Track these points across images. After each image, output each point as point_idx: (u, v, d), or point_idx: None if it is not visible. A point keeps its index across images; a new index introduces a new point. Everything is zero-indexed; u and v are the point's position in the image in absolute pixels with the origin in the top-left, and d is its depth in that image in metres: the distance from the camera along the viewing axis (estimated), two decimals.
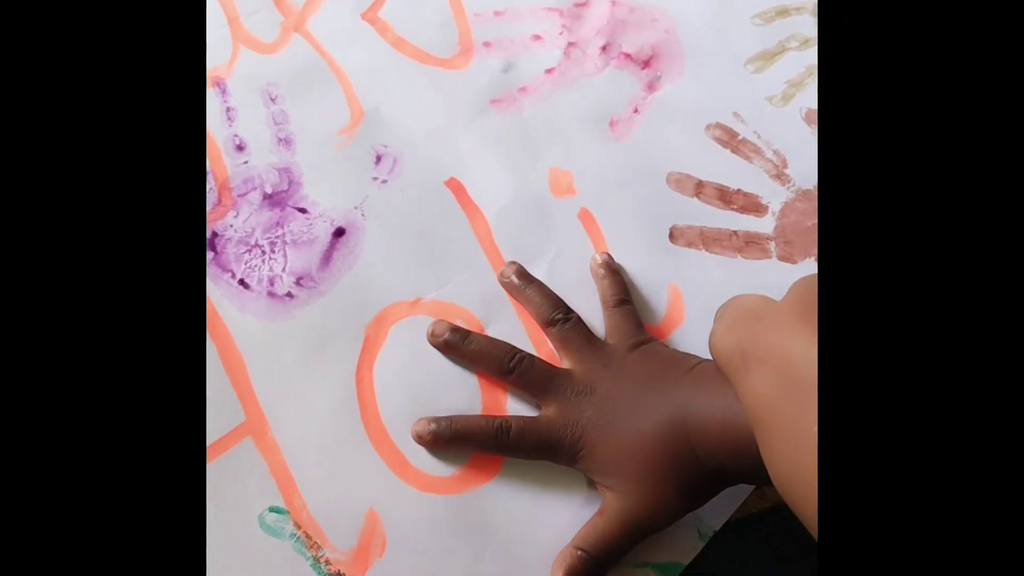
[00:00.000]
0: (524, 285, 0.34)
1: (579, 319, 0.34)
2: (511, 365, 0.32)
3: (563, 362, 0.33)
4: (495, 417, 0.31)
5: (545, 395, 0.31)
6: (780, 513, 0.31)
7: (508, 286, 0.34)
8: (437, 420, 0.31)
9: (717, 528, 0.31)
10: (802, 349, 0.23)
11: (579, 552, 0.29)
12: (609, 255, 0.35)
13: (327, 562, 0.29)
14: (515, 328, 0.34)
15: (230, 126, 0.37)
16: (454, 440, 0.31)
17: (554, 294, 0.34)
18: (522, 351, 0.32)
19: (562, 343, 0.33)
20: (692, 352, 0.33)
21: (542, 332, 0.34)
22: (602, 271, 0.34)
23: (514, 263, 0.35)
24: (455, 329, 0.32)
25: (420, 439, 0.31)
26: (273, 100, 0.38)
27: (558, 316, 0.33)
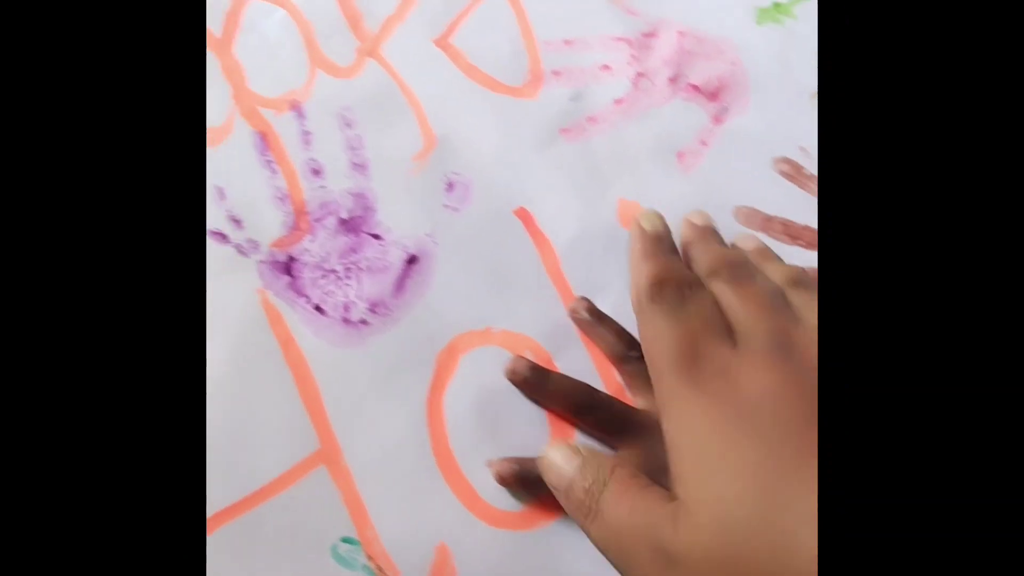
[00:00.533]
0: (595, 322, 0.34)
1: None
2: (589, 405, 0.32)
3: (635, 400, 0.33)
4: None
5: (621, 436, 0.32)
6: None
7: (579, 322, 0.35)
8: (520, 461, 0.31)
9: None
10: None
11: None
12: None
13: None
14: (583, 361, 0.35)
15: (307, 149, 0.37)
16: (536, 485, 0.30)
17: (626, 331, 0.34)
18: (600, 392, 0.33)
19: (634, 380, 0.33)
20: None
21: (611, 368, 0.34)
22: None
23: (584, 299, 0.35)
24: (535, 368, 0.33)
25: (502, 480, 0.31)
26: (349, 125, 0.38)
27: (632, 355, 0.33)
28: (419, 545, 0.30)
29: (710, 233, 0.32)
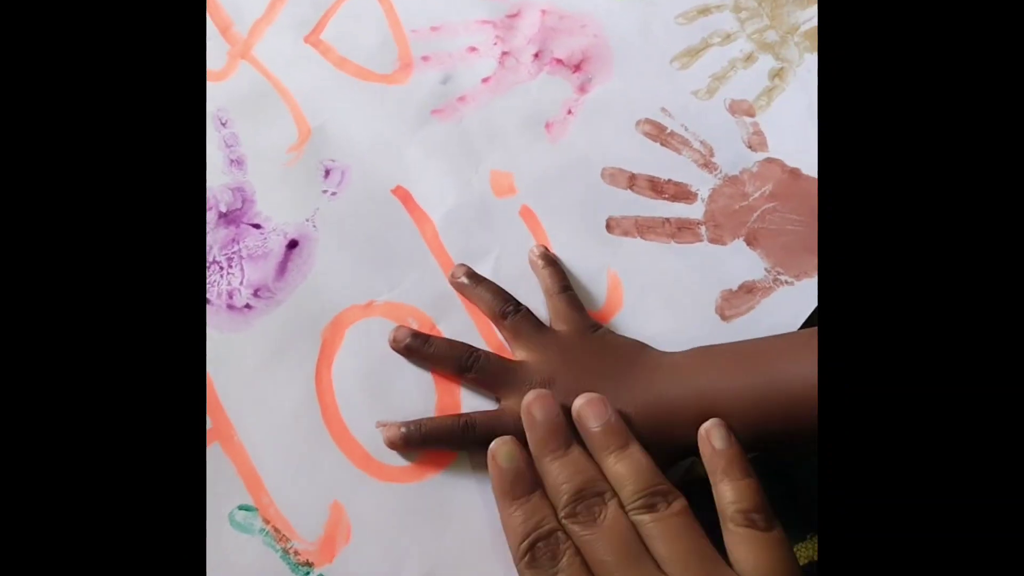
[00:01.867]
0: (473, 284, 0.36)
1: (528, 310, 0.36)
2: (468, 363, 0.34)
3: (516, 353, 0.35)
4: (459, 415, 0.33)
5: (504, 388, 0.33)
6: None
7: (459, 286, 0.37)
8: (406, 424, 0.33)
9: None
10: None
11: None
12: (545, 247, 0.37)
13: (296, 552, 0.31)
14: (466, 324, 0.36)
15: None
16: (424, 442, 0.33)
17: (502, 289, 0.36)
18: (478, 349, 0.34)
19: (514, 335, 0.35)
20: (632, 335, 0.36)
21: (491, 327, 0.36)
22: (541, 262, 0.37)
23: (463, 265, 0.37)
24: (415, 335, 0.34)
25: (392, 444, 0.33)
26: (224, 124, 0.40)
27: (508, 309, 0.35)
28: (314, 505, 0.32)
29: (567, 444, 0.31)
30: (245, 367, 0.34)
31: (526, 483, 0.30)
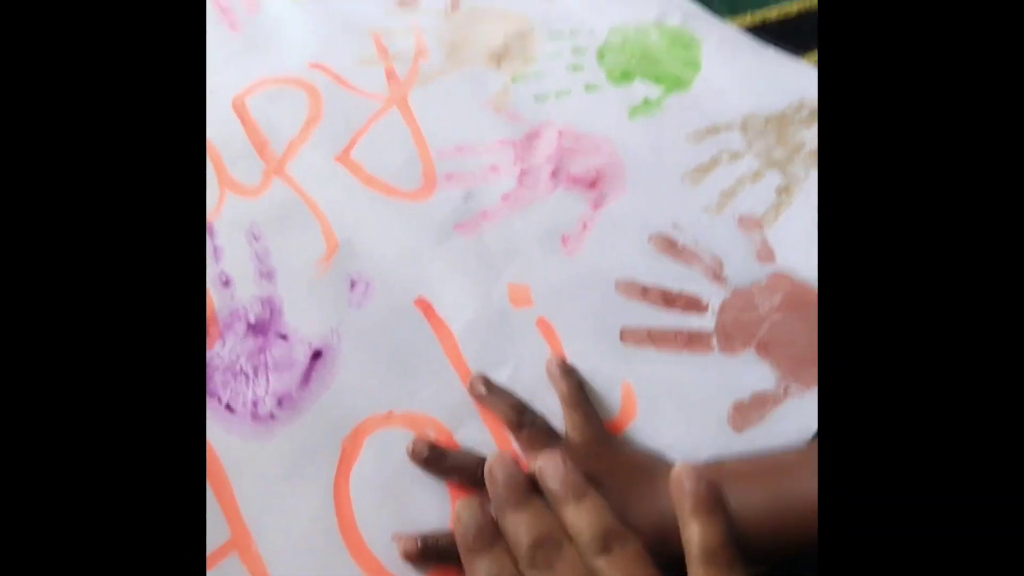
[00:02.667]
0: (491, 394, 0.37)
1: (544, 421, 0.37)
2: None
3: (531, 465, 0.35)
4: None
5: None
6: None
7: (477, 396, 0.37)
8: (423, 538, 0.33)
9: None
10: None
11: None
12: (562, 358, 0.38)
13: None
14: (482, 434, 0.37)
15: (217, 264, 0.41)
16: (440, 556, 0.33)
17: (519, 400, 0.37)
18: None
19: (529, 445, 0.36)
20: (646, 445, 0.36)
21: (508, 437, 0.37)
22: (558, 372, 0.38)
23: (481, 375, 0.38)
24: (433, 447, 0.35)
25: (408, 557, 0.33)
26: (256, 238, 0.42)
27: (524, 420, 0.36)
28: None
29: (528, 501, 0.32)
30: (266, 477, 0.35)
31: (487, 536, 0.31)
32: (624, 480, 0.34)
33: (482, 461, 0.35)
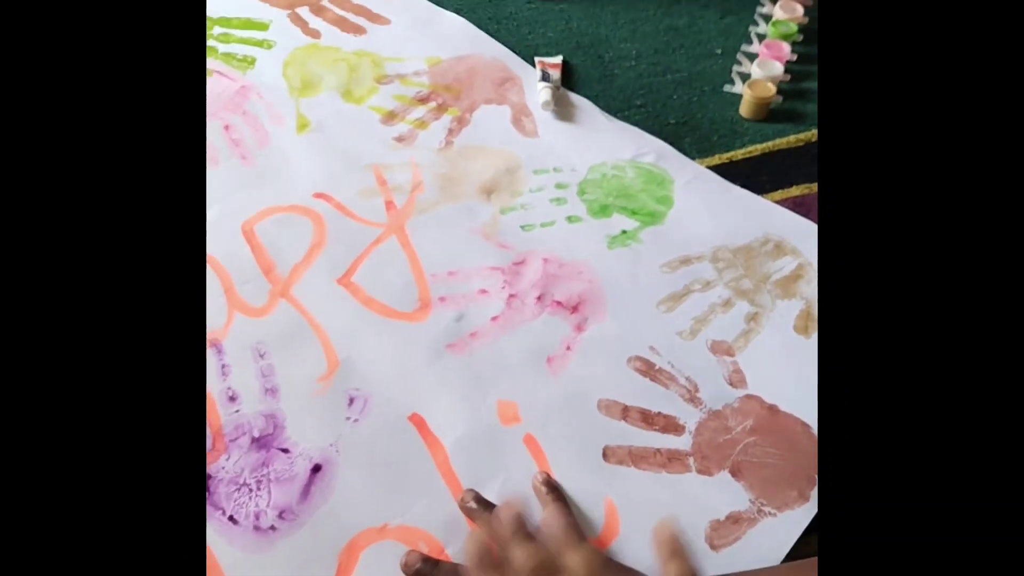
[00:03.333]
0: (482, 509, 0.39)
1: (529, 536, 0.38)
2: None
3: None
4: None
5: None
6: None
7: (467, 511, 0.40)
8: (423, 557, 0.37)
9: None
10: None
11: None
12: (548, 474, 0.41)
13: None
14: None
15: (224, 380, 0.43)
16: None
17: (503, 521, 0.39)
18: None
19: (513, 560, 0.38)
20: (629, 561, 0.38)
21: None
22: (543, 488, 0.40)
23: (471, 490, 0.40)
24: (425, 559, 0.37)
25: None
26: (262, 356, 0.45)
27: (507, 536, 0.38)
28: None
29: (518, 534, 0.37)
30: None
31: (493, 558, 0.35)
32: None
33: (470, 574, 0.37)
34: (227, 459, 0.40)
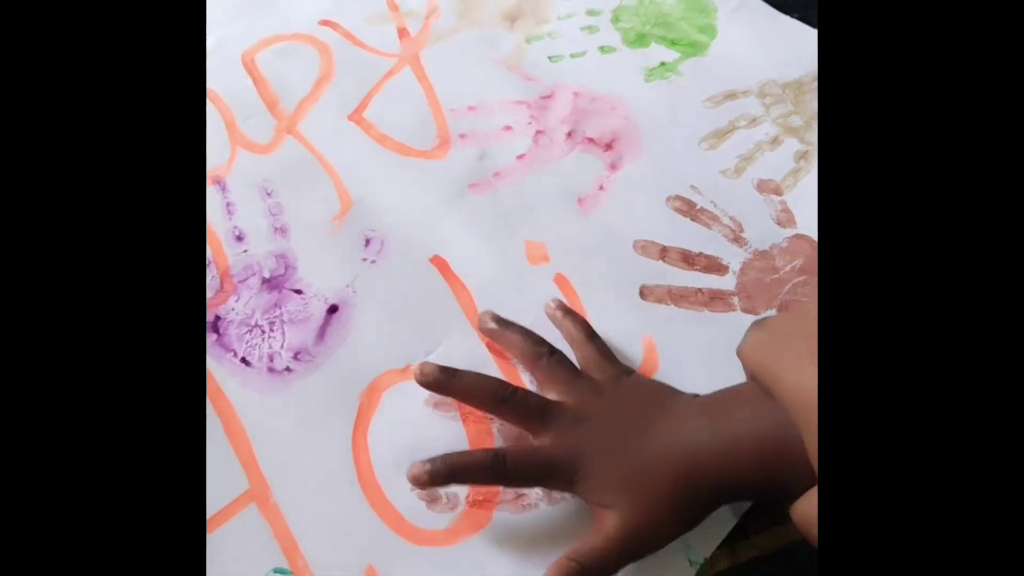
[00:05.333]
0: (503, 328, 0.36)
1: (562, 353, 0.36)
2: (507, 396, 0.33)
3: (550, 396, 0.34)
4: (489, 449, 0.33)
5: (540, 426, 0.33)
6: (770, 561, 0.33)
7: (488, 332, 0.37)
8: (431, 460, 0.31)
9: (707, 555, 0.33)
10: None
11: (572, 563, 0.30)
12: (560, 300, 0.38)
13: None
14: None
15: (230, 219, 0.40)
16: (451, 476, 0.31)
17: (533, 332, 0.36)
18: (511, 384, 0.34)
19: (549, 377, 0.35)
20: None
21: (523, 385, 0.36)
22: (559, 313, 0.37)
23: (489, 311, 0.37)
24: (443, 368, 0.33)
25: (417, 481, 0.31)
26: (269, 194, 0.41)
27: (542, 351, 0.35)
28: (348, 569, 0.31)
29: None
30: (283, 429, 0.34)
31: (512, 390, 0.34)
32: (646, 413, 0.33)
33: (502, 382, 0.34)
34: (236, 300, 0.38)
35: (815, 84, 0.49)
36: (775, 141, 0.46)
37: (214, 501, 0.32)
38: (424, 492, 0.33)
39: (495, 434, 0.35)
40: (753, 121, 0.47)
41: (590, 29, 0.50)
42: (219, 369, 0.36)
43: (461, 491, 0.33)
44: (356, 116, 0.45)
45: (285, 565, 0.31)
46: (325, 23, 0.48)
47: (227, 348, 0.36)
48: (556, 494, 0.33)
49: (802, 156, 0.45)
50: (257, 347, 0.36)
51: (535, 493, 0.34)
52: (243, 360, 0.36)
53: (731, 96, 0.48)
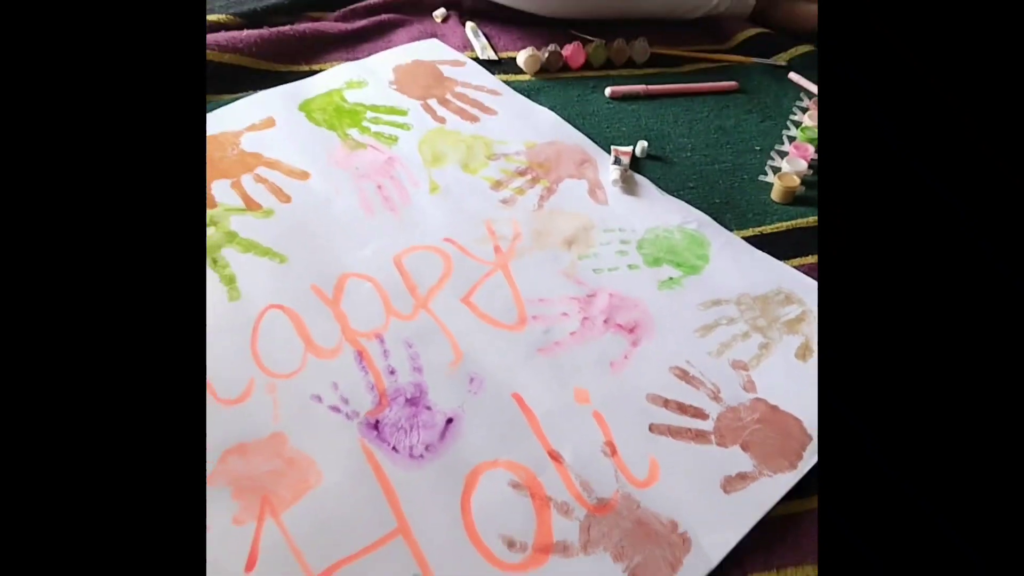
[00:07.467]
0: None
1: None
2: None
3: None
4: None
5: None
6: None
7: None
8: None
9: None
10: None
11: None
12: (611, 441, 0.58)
13: None
14: (557, 479, 0.56)
15: (386, 360, 0.62)
16: None
17: None
18: None
19: None
20: (665, 507, 0.55)
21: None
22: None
23: None
24: None
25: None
26: (410, 346, 0.63)
27: None
28: None
29: None
30: (419, 492, 0.54)
31: None
32: None
33: None
34: (389, 411, 0.59)
35: (779, 297, 0.71)
36: (746, 335, 0.68)
37: (372, 534, 0.52)
38: (505, 539, 0.52)
39: (552, 508, 0.54)
40: (731, 320, 0.69)
41: (622, 253, 0.74)
42: (379, 453, 0.56)
43: (529, 540, 0.52)
44: (466, 300, 0.68)
45: (420, 574, 0.50)
46: (447, 240, 0.73)
47: (384, 440, 0.57)
48: (590, 548, 0.52)
49: (763, 346, 0.67)
50: (402, 441, 0.57)
51: (576, 548, 0.52)
52: (393, 448, 0.56)
53: (717, 303, 0.70)
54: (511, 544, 0.52)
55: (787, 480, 0.57)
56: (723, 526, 0.54)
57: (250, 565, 0.50)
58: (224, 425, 0.57)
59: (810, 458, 0.59)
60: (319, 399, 0.59)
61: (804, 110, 0.94)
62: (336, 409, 0.59)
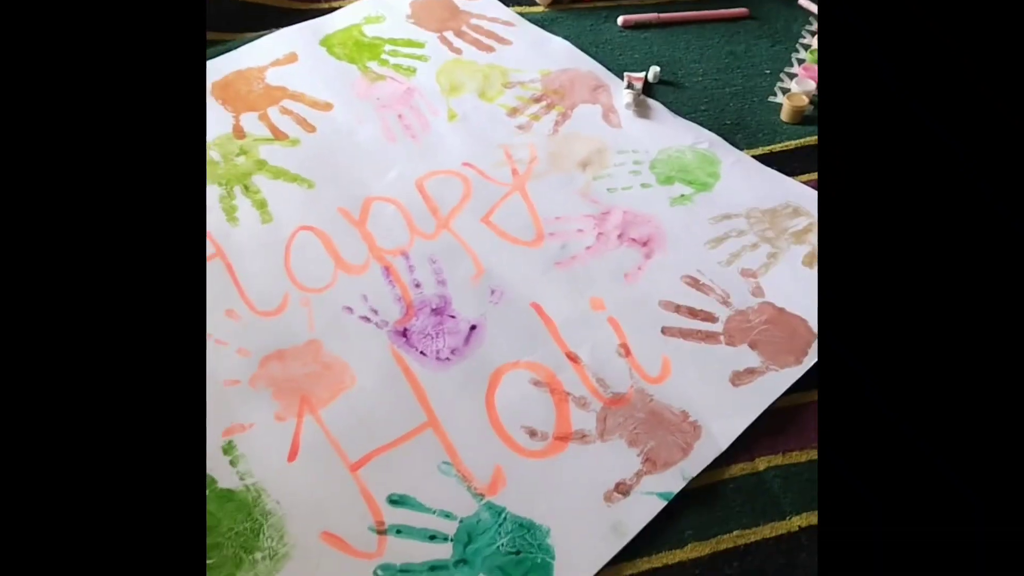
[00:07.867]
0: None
1: None
2: None
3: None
4: None
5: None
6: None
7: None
8: None
9: (694, 474, 0.55)
10: None
11: None
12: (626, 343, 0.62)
13: (476, 489, 0.53)
14: (574, 375, 0.60)
15: (412, 274, 0.66)
16: None
17: None
18: None
19: None
20: (676, 399, 0.59)
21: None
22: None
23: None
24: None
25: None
26: (434, 262, 0.67)
27: None
28: (487, 468, 0.54)
29: None
30: (447, 391, 0.58)
31: None
32: None
33: None
34: (416, 320, 0.63)
35: (787, 210, 0.74)
36: (755, 246, 0.71)
37: (405, 426, 0.56)
38: (527, 429, 0.56)
39: (570, 401, 0.58)
40: (741, 233, 0.72)
41: (635, 172, 0.76)
42: (407, 357, 0.60)
43: (549, 430, 0.56)
44: (486, 220, 0.71)
45: (449, 460, 0.55)
46: (467, 164, 0.76)
47: (412, 346, 0.61)
48: (607, 436, 0.56)
49: (772, 255, 0.70)
50: (429, 346, 0.61)
51: (593, 435, 0.56)
52: (421, 352, 0.61)
53: (727, 217, 0.73)
54: (533, 433, 0.56)
55: (793, 373, 0.60)
56: (732, 415, 0.57)
57: (292, 455, 0.55)
58: (262, 334, 0.61)
59: (815, 354, 0.62)
60: (350, 310, 0.63)
61: (813, 33, 0.95)
62: (366, 319, 0.63)
